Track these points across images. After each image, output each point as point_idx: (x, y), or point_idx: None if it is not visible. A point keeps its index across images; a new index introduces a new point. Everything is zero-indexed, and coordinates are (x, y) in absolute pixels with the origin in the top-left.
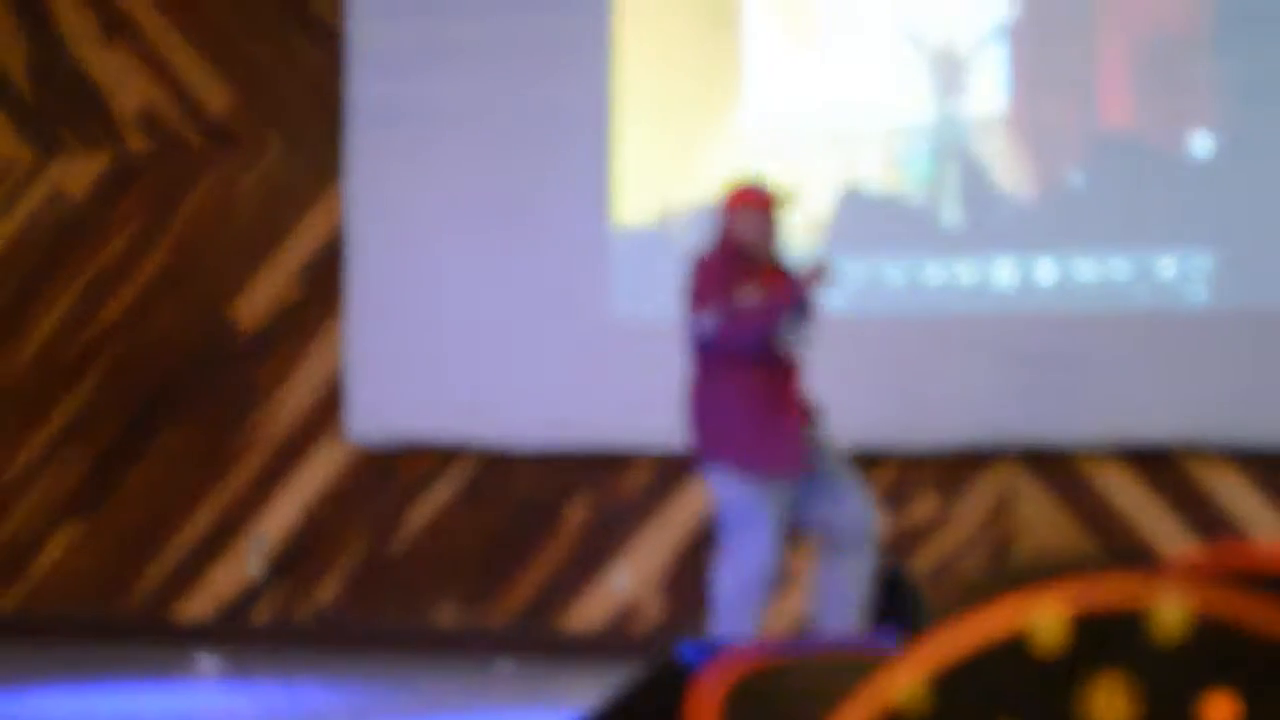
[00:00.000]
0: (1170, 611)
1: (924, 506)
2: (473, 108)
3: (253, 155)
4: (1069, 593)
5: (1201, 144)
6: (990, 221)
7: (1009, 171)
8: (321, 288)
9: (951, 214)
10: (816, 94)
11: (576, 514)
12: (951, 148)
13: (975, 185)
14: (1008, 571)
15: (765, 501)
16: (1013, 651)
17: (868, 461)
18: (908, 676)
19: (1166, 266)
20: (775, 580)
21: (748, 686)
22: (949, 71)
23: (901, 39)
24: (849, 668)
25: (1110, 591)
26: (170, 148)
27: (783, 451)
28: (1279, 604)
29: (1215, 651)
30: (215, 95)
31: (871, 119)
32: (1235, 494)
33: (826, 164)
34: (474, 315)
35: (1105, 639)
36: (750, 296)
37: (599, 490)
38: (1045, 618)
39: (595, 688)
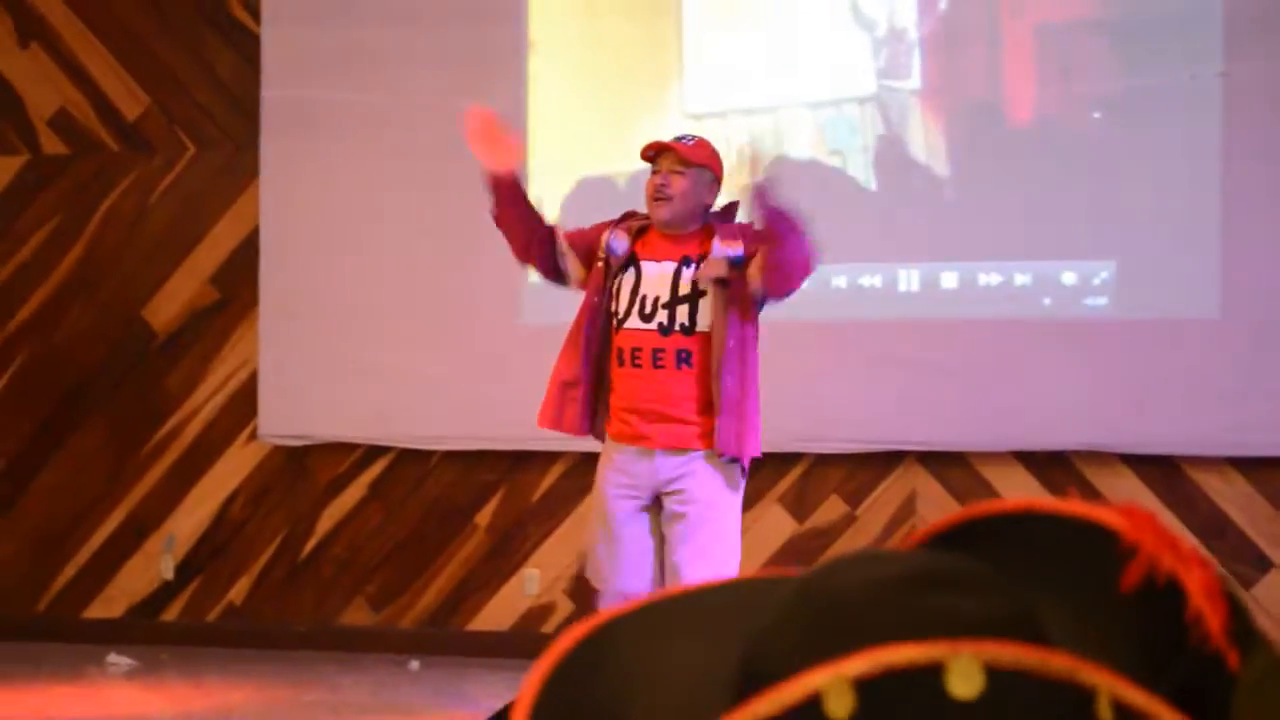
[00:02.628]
0: (963, 669)
1: (831, 509)
2: (388, 113)
3: (168, 159)
4: (860, 654)
5: (1106, 149)
6: (894, 228)
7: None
8: (236, 290)
9: (865, 188)
10: (748, 73)
11: (488, 515)
12: (870, 128)
13: (887, 166)
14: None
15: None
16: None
17: (777, 463)
18: None
19: (1068, 274)
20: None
21: (569, 662)
22: (869, 50)
23: (827, 15)
24: (696, 609)
25: (903, 651)
26: (86, 151)
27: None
28: (1073, 653)
29: (1008, 709)
30: (131, 99)
31: (798, 91)
32: (1130, 496)
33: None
34: (388, 318)
35: (895, 702)
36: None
37: (510, 491)
38: (834, 683)
39: (505, 688)
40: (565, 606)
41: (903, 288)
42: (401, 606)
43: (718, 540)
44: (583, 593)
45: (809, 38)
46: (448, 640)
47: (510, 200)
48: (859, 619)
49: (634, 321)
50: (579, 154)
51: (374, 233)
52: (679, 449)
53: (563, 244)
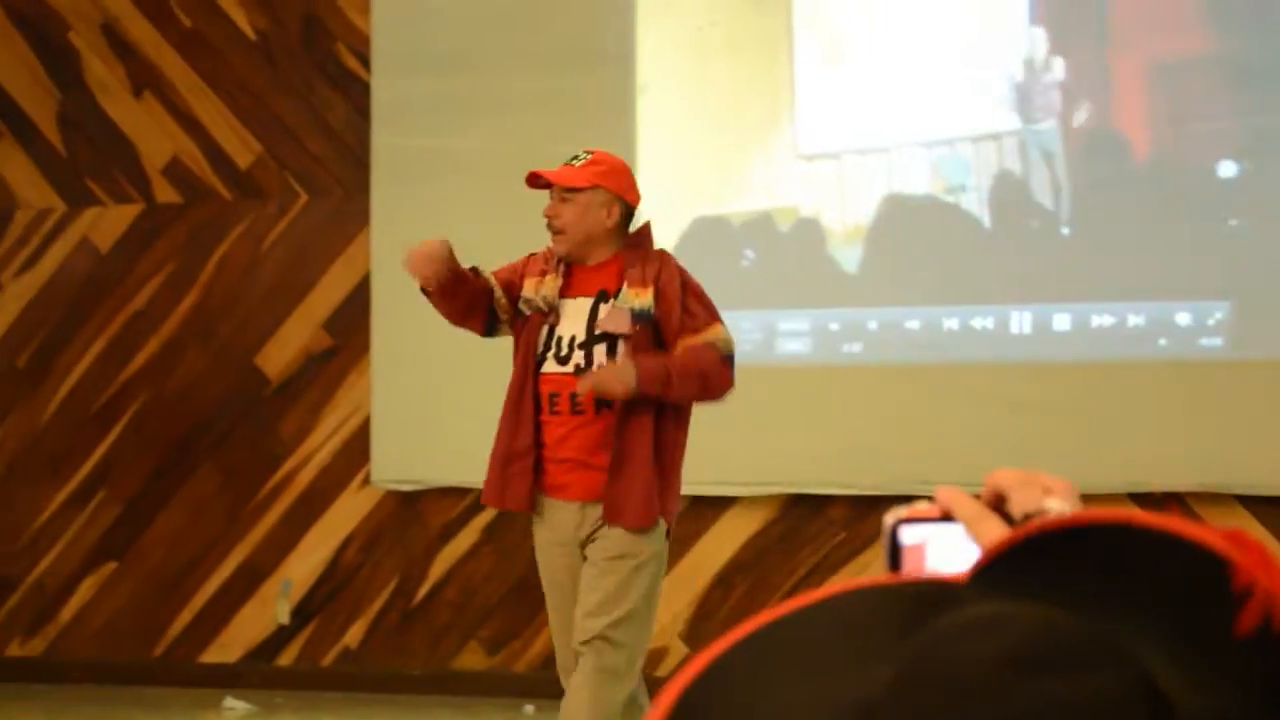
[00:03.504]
0: None
1: None
2: (498, 159)
3: (280, 206)
4: None
5: (1220, 187)
6: (1007, 269)
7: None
8: (349, 336)
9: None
10: (861, 113)
11: None
12: (984, 167)
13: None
14: None
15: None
16: None
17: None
18: None
19: (1183, 315)
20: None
21: (683, 708)
22: (984, 88)
23: (941, 54)
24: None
25: None
26: (199, 199)
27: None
28: None
29: None
30: (243, 148)
31: (912, 130)
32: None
33: (869, 183)
34: (499, 362)
35: None
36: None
37: None
38: None
39: None
40: (679, 650)
41: (1014, 329)
42: (515, 651)
43: (624, 600)
44: (697, 637)
45: (922, 77)
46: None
47: (444, 295)
48: (971, 711)
49: (550, 364)
50: (691, 195)
51: None
52: (599, 500)
53: (500, 297)
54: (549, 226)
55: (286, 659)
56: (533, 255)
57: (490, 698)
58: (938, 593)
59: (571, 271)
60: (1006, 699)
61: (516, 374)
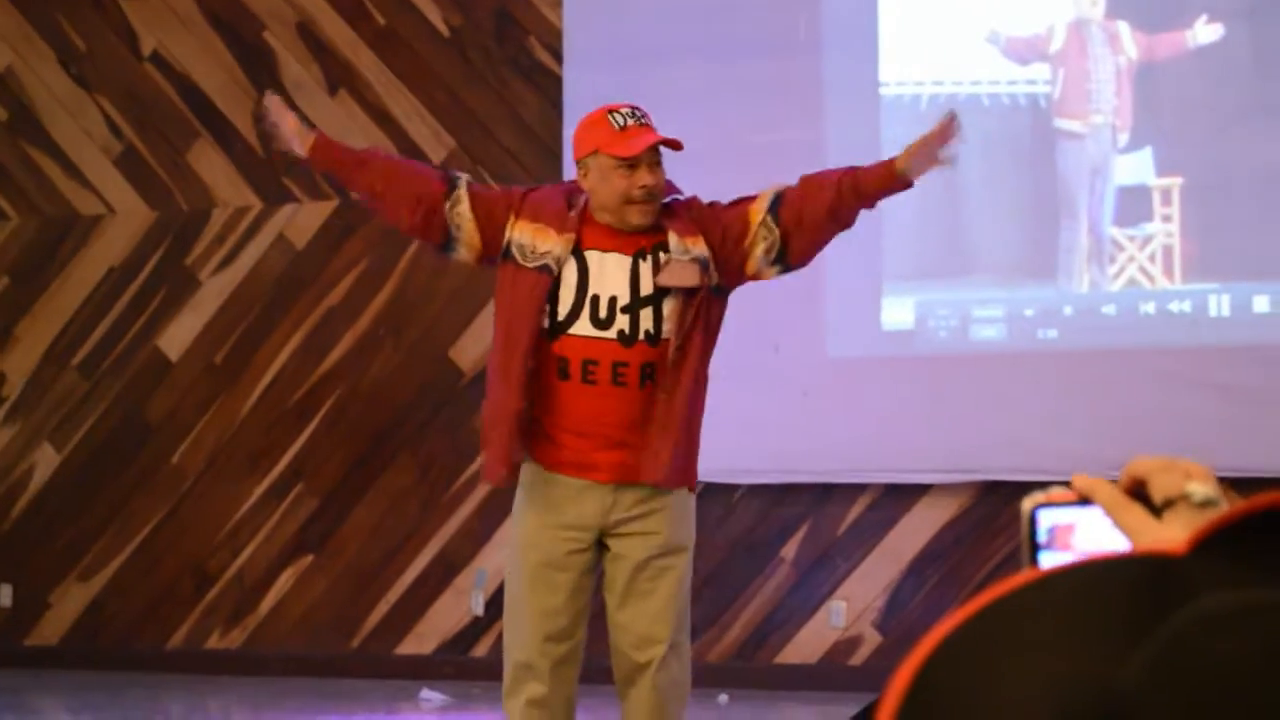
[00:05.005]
0: None
1: None
2: (690, 149)
3: None
4: None
5: None
6: (1204, 251)
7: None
8: None
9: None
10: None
11: (793, 548)
12: None
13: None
14: None
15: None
16: None
17: None
18: None
19: None
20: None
21: (911, 700)
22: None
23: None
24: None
25: None
26: None
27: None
28: None
29: None
30: (436, 143)
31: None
32: None
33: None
34: None
35: None
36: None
37: (816, 524)
38: None
39: None
40: (873, 639)
41: (1213, 312)
42: (709, 640)
43: (685, 590)
44: (891, 625)
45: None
46: (755, 674)
47: (345, 164)
48: (1236, 709)
49: (584, 327)
50: None
51: None
52: (637, 481)
53: (463, 211)
54: (649, 196)
55: (481, 650)
56: (535, 192)
57: None
58: (1164, 570)
59: (590, 221)
60: (1270, 698)
61: (519, 332)
